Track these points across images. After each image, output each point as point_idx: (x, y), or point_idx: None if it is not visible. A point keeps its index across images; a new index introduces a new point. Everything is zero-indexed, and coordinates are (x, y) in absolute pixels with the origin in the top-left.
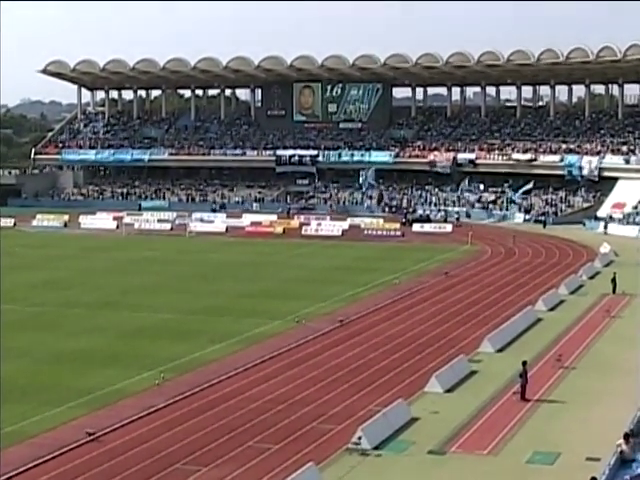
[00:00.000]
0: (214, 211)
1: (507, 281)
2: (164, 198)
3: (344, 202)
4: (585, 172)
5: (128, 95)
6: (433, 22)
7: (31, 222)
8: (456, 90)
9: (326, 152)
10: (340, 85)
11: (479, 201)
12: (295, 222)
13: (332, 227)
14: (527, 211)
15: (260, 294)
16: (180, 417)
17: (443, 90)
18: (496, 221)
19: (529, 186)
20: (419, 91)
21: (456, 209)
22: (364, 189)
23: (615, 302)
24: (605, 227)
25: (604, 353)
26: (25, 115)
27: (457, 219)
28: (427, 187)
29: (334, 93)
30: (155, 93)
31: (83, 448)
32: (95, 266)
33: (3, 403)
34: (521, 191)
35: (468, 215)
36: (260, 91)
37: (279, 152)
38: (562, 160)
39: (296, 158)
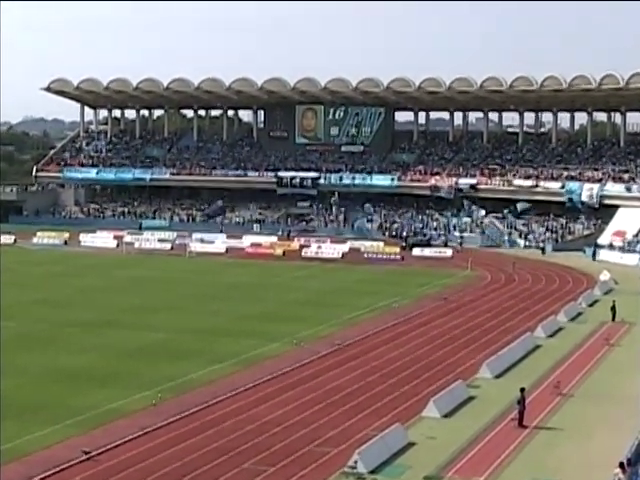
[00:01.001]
0: (221, 232)
1: (506, 307)
2: (165, 218)
3: (344, 225)
4: (586, 199)
5: (131, 114)
6: (437, 47)
7: (32, 239)
8: (458, 115)
9: (327, 175)
10: (343, 108)
11: (478, 226)
12: (295, 244)
13: (332, 250)
14: (527, 237)
15: (259, 316)
16: (176, 438)
17: (445, 115)
18: (492, 246)
19: (526, 205)
20: (421, 115)
21: (464, 234)
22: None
23: (614, 330)
24: (593, 254)
25: (603, 381)
26: (27, 132)
27: (460, 244)
28: (428, 211)
29: (336, 116)
30: (158, 113)
31: (79, 467)
32: (95, 284)
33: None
34: (519, 209)
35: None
36: (263, 112)
37: (280, 174)
38: (563, 187)
39: (297, 180)
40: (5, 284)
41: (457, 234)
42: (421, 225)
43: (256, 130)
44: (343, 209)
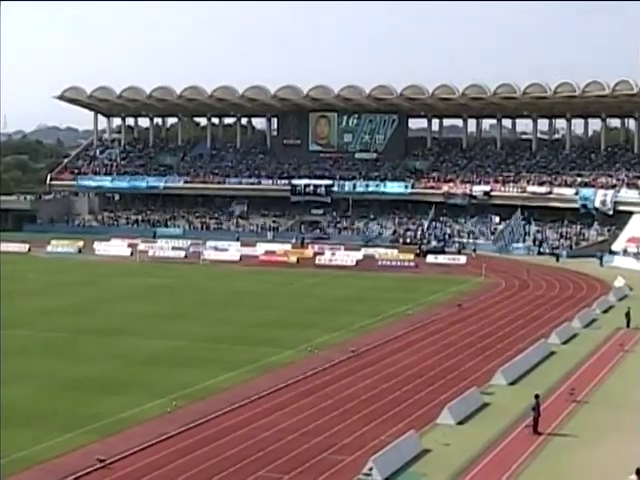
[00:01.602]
0: (238, 239)
1: (520, 314)
2: (179, 226)
3: (358, 232)
4: (600, 206)
5: (144, 122)
6: (450, 54)
7: (46, 248)
8: (472, 122)
9: (341, 182)
10: (356, 115)
11: (493, 233)
12: (309, 252)
13: (346, 257)
14: (541, 244)
15: (273, 323)
16: (191, 445)
17: (459, 122)
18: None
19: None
20: (435, 122)
21: (479, 241)
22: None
23: (629, 336)
24: (600, 259)
25: (617, 387)
26: (41, 141)
27: (474, 250)
28: (442, 218)
29: (350, 123)
30: (171, 121)
31: (93, 475)
32: (108, 293)
33: (13, 428)
34: None
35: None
36: (276, 120)
37: (294, 181)
38: (577, 193)
39: (311, 188)
40: (19, 292)
41: (471, 241)
42: (434, 232)
43: (269, 138)
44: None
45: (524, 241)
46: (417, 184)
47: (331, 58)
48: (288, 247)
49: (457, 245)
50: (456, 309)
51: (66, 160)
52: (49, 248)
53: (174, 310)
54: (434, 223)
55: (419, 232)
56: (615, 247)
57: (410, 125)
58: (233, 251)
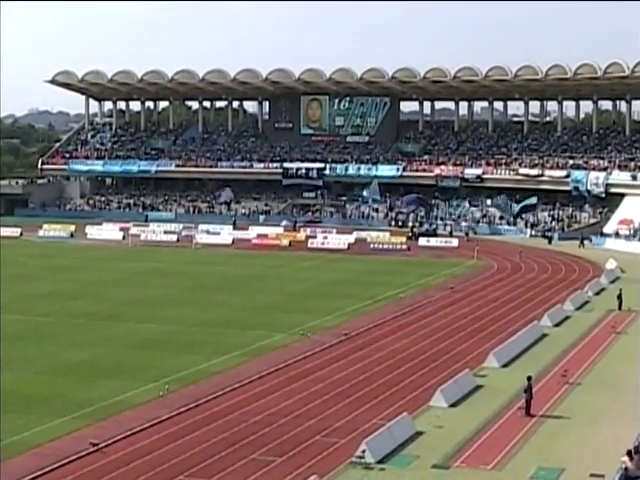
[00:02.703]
0: (234, 224)
1: (513, 296)
2: (171, 210)
3: (350, 215)
4: (592, 188)
5: (136, 106)
6: (441, 36)
7: (37, 232)
8: (464, 105)
9: (333, 165)
10: (348, 98)
11: (485, 216)
12: (301, 235)
13: (338, 240)
14: (533, 226)
15: (265, 307)
16: (184, 429)
17: (451, 104)
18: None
19: (532, 201)
20: (427, 105)
21: (473, 224)
22: (369, 203)
23: (621, 318)
24: (581, 241)
25: (609, 369)
26: (33, 125)
27: (466, 234)
28: (434, 201)
29: (342, 106)
30: (163, 104)
31: (87, 459)
32: (101, 277)
33: (6, 413)
34: (521, 205)
35: (474, 230)
36: (268, 104)
37: (286, 165)
38: (569, 176)
39: (303, 171)
40: (11, 277)
41: (465, 224)
42: (426, 215)
43: (261, 121)
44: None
45: (515, 224)
46: (409, 167)
47: (323, 41)
48: (280, 230)
49: (449, 228)
50: (448, 292)
51: (58, 144)
52: (41, 232)
53: (166, 294)
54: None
55: (411, 215)
56: (607, 229)
57: (402, 108)
58: (225, 235)
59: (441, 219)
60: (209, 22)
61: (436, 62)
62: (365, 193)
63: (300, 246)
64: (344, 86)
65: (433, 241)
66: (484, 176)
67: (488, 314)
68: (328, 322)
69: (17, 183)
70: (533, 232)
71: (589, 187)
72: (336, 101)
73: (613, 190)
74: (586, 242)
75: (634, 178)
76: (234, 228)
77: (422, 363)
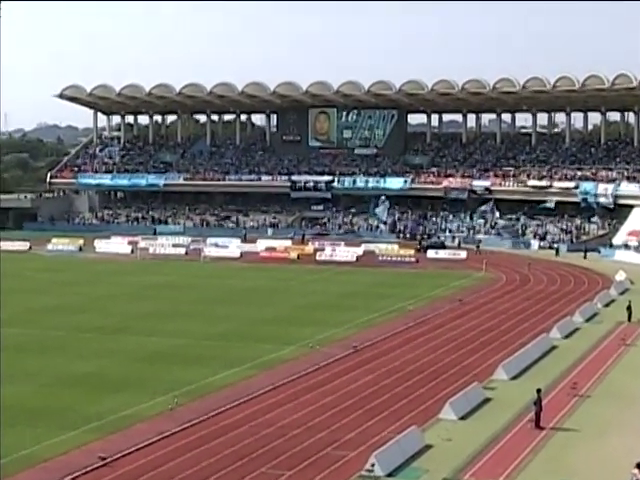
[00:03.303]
0: (245, 237)
1: (522, 308)
2: (179, 223)
3: (358, 228)
4: (600, 199)
5: (144, 120)
6: (449, 48)
7: (46, 246)
8: (471, 117)
9: (341, 178)
10: (355, 111)
11: (493, 227)
12: (310, 248)
13: (346, 253)
14: (542, 238)
15: (274, 319)
16: (193, 442)
17: (458, 117)
18: (510, 248)
19: (551, 204)
20: (434, 117)
21: (480, 236)
22: (377, 222)
23: (630, 330)
24: (585, 253)
25: (619, 381)
26: (41, 139)
27: (477, 246)
28: (442, 213)
29: (349, 119)
30: (171, 118)
31: (95, 472)
32: (109, 291)
33: (15, 426)
34: (541, 207)
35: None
36: (276, 116)
37: (294, 177)
38: (577, 187)
39: (311, 184)
40: (20, 291)
41: (474, 236)
42: (435, 227)
43: (269, 134)
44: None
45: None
46: (417, 179)
47: (330, 54)
48: (288, 243)
49: (457, 240)
50: (457, 304)
51: (66, 158)
52: (50, 246)
53: (175, 307)
54: (434, 218)
55: (419, 227)
56: (616, 241)
57: (409, 120)
58: (233, 248)
59: (449, 231)
60: (216, 36)
61: (443, 74)
62: (376, 211)
63: (308, 259)
64: (352, 99)
65: (441, 253)
66: (492, 188)
67: (497, 326)
68: (337, 334)
69: (26, 197)
70: (541, 244)
71: (598, 199)
72: (344, 114)
73: (622, 201)
74: (595, 254)
75: None
76: (244, 241)
77: (431, 376)
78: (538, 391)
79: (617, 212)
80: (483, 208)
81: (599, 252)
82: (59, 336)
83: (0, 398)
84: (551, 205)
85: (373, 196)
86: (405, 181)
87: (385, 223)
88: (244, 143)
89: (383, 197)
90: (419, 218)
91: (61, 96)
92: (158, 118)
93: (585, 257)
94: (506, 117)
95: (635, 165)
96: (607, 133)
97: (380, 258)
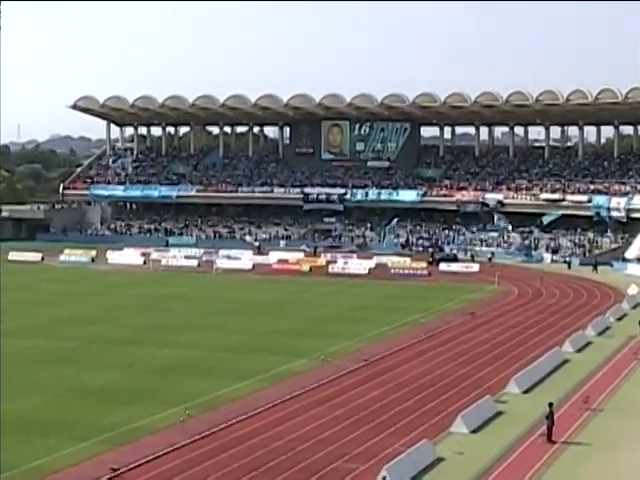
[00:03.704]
0: (259, 249)
1: (534, 322)
2: (191, 235)
3: (370, 240)
4: (613, 213)
5: (157, 131)
6: (462, 61)
7: (59, 257)
8: (484, 130)
9: (354, 190)
10: (368, 124)
11: (505, 241)
12: (322, 260)
13: (359, 265)
14: (554, 251)
15: (286, 332)
16: (204, 454)
17: (471, 130)
18: (522, 262)
19: (552, 217)
20: (447, 130)
21: (492, 249)
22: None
23: None
24: (595, 266)
25: (631, 395)
26: (54, 150)
27: (490, 259)
28: (454, 226)
29: (362, 131)
30: (184, 130)
31: None
32: (121, 302)
33: (26, 437)
34: (548, 220)
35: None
36: (288, 129)
37: (307, 190)
38: (590, 201)
39: (323, 196)
40: (32, 302)
41: (486, 249)
42: (447, 240)
43: (282, 146)
44: (368, 225)
45: (536, 249)
46: (429, 192)
47: (343, 67)
48: (301, 255)
49: (470, 253)
50: (469, 317)
51: (79, 169)
52: (62, 257)
53: (187, 319)
54: (446, 231)
55: (432, 240)
56: (628, 254)
57: (422, 133)
58: (246, 260)
59: (461, 244)
60: (229, 47)
61: (456, 87)
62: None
63: (321, 271)
64: (364, 111)
65: (454, 266)
66: (505, 201)
67: (509, 340)
68: (349, 347)
69: (39, 208)
70: (554, 257)
71: (610, 212)
72: (357, 126)
73: (634, 215)
74: (607, 267)
75: None
76: (258, 253)
77: (443, 389)
78: (550, 405)
79: (630, 226)
80: (496, 221)
81: (611, 266)
82: (72, 347)
83: (0, 410)
84: (552, 218)
85: (385, 208)
86: (417, 194)
87: (398, 236)
88: (257, 155)
89: (395, 220)
90: (431, 231)
91: (74, 107)
92: (171, 129)
93: (595, 270)
94: (519, 130)
95: None
96: (620, 147)
97: (392, 271)
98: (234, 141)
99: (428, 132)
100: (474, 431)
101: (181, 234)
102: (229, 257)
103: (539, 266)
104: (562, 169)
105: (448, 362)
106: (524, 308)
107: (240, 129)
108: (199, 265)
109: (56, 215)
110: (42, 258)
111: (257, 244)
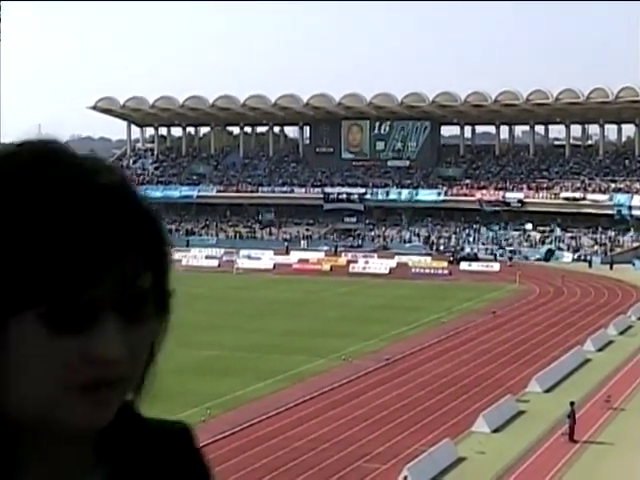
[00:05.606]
0: (287, 249)
1: (555, 321)
2: (212, 235)
3: (391, 240)
4: (635, 212)
5: (177, 132)
6: (482, 60)
7: None
8: (504, 129)
9: (374, 190)
10: (388, 123)
11: (527, 240)
12: (342, 260)
13: (379, 265)
14: (575, 250)
15: (306, 332)
16: (224, 455)
17: (491, 129)
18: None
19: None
20: (467, 129)
21: (511, 248)
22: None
23: None
24: (611, 265)
25: None
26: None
27: (510, 258)
28: (475, 226)
29: (382, 131)
30: (204, 130)
31: None
32: None
33: None
34: None
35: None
36: (308, 128)
37: (327, 189)
38: (611, 199)
39: (344, 196)
40: None
41: (507, 248)
42: (469, 239)
43: (302, 146)
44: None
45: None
46: (450, 191)
47: (363, 66)
48: (321, 255)
49: (492, 252)
50: (490, 316)
51: None
52: None
53: (207, 319)
54: (467, 230)
55: (452, 240)
56: None
57: (442, 132)
58: (266, 260)
59: (482, 243)
60: (250, 48)
61: (477, 86)
62: None
63: (341, 271)
64: (384, 110)
65: (475, 265)
66: (525, 200)
67: (530, 339)
68: (369, 347)
69: None
70: (575, 256)
71: (632, 211)
72: (377, 125)
73: None
74: (629, 266)
75: None
76: (286, 252)
77: (464, 388)
78: (572, 404)
79: None
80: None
81: (633, 264)
82: None
83: None
84: None
85: (405, 209)
86: (438, 193)
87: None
88: (277, 155)
89: None
90: (452, 230)
91: (95, 108)
92: (191, 130)
93: (611, 268)
94: (539, 129)
95: None
96: None
97: (413, 270)
98: (254, 141)
99: (448, 131)
100: (495, 430)
101: (201, 234)
102: (249, 257)
103: (560, 265)
104: (583, 168)
105: (469, 361)
106: (545, 307)
107: (260, 129)
108: (219, 265)
109: None
110: None
111: (286, 244)
